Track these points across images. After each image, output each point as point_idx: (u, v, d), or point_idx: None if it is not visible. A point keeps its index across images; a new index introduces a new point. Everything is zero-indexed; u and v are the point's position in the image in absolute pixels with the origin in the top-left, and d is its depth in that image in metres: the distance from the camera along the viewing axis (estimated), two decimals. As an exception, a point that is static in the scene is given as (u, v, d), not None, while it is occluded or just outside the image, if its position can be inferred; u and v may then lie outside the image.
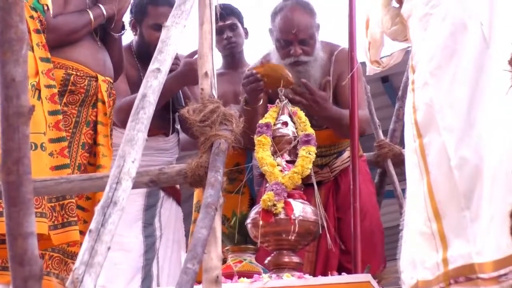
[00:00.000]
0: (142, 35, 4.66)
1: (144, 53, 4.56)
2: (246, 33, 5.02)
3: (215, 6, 3.05)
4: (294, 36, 4.12)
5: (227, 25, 4.88)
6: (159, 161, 4.59)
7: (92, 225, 2.00)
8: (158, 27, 4.42)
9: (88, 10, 4.01)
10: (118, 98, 4.34)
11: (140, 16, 4.66)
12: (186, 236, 4.75)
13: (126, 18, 4.41)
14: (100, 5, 4.05)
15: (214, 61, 3.00)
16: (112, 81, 4.08)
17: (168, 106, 4.58)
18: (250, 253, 3.81)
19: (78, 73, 3.88)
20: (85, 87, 3.88)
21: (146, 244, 4.44)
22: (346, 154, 4.33)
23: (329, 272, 3.76)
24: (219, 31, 4.85)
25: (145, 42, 4.61)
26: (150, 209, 4.49)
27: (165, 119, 4.60)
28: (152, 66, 2.49)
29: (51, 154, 3.53)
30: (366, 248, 3.91)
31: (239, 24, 4.96)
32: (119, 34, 4.20)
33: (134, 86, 4.44)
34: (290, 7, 4.19)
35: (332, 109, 4.10)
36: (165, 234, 4.51)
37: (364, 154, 4.55)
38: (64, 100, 3.82)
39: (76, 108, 3.88)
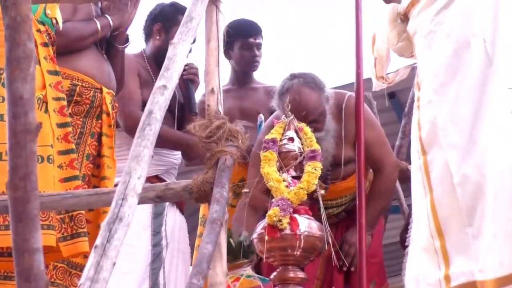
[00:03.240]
0: (168, 41, 4.71)
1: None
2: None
3: (224, 27, 3.08)
4: (303, 118, 4.03)
5: (256, 43, 4.90)
6: (167, 162, 4.62)
7: (98, 241, 2.02)
8: None
9: (95, 19, 4.05)
10: (130, 102, 4.40)
11: (169, 24, 4.72)
12: (192, 249, 4.76)
13: (134, 29, 4.47)
14: (107, 16, 4.09)
15: (220, 77, 3.03)
16: (114, 93, 4.11)
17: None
18: (246, 266, 3.82)
19: (84, 84, 3.91)
20: (90, 98, 3.91)
21: (153, 253, 4.44)
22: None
23: None
24: (248, 47, 4.88)
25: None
26: (158, 217, 4.50)
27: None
28: (158, 83, 2.52)
29: (60, 167, 3.55)
30: (370, 268, 3.94)
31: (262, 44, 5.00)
32: (123, 46, 4.24)
33: (148, 90, 4.49)
34: (297, 89, 4.11)
35: (373, 221, 4.20)
36: (170, 243, 4.52)
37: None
38: (69, 110, 3.85)
39: (81, 119, 3.90)
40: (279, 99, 4.15)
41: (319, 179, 4.00)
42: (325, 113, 4.14)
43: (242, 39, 4.85)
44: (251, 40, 4.86)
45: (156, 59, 4.70)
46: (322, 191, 4.01)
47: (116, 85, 4.16)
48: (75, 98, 3.88)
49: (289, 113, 3.89)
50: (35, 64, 1.78)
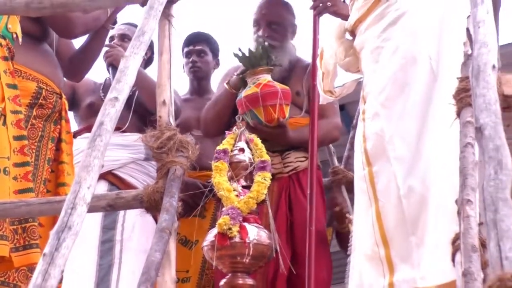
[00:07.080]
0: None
1: None
2: (217, 64, 5.15)
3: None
4: (261, 16, 4.34)
5: (195, 50, 5.04)
6: (123, 157, 4.53)
7: (46, 249, 2.07)
8: None
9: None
10: None
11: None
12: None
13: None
14: None
15: (172, 90, 3.10)
16: None
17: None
18: (265, 73, 4.13)
19: (48, 88, 3.94)
20: (53, 103, 3.94)
21: (101, 250, 4.41)
22: (302, 153, 4.39)
23: None
24: (187, 54, 5.06)
25: None
26: (112, 213, 4.45)
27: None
28: (110, 95, 2.57)
29: (15, 178, 3.57)
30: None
31: (209, 52, 5.08)
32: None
33: None
34: None
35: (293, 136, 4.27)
36: (130, 241, 4.49)
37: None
38: (34, 113, 3.88)
39: (42, 123, 3.93)
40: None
41: None
42: (285, 29, 4.41)
43: (185, 48, 5.07)
44: (191, 47, 5.04)
45: None
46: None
47: None
48: (40, 101, 3.91)
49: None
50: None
